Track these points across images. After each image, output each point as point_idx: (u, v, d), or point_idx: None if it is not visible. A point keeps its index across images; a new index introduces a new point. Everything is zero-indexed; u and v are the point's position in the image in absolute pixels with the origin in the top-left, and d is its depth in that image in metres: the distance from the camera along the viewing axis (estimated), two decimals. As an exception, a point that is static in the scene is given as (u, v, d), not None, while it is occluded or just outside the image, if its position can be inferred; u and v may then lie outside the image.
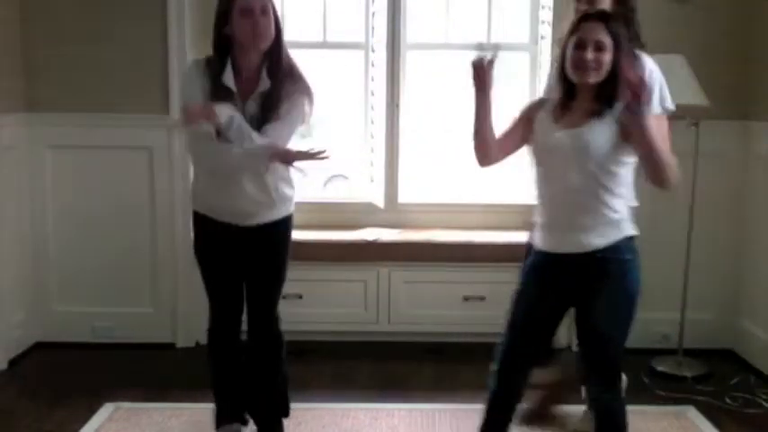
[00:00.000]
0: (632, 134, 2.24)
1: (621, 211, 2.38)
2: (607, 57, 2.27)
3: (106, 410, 3.21)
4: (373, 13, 4.06)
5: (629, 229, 2.40)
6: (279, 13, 2.62)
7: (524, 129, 2.46)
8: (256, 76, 2.58)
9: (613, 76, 2.27)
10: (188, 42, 3.80)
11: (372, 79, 4.12)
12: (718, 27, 3.79)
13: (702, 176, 3.70)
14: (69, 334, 3.94)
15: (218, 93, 2.54)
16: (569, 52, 2.30)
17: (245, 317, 2.84)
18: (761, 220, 3.77)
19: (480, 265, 3.80)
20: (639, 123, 2.19)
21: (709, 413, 3.26)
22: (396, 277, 3.93)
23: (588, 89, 2.32)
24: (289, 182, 2.74)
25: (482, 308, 3.75)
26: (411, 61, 4.12)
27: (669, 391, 3.49)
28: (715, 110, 3.64)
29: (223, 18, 2.56)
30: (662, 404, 3.37)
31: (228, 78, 2.55)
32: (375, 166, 4.20)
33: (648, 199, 3.91)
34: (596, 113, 2.30)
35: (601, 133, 2.28)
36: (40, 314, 3.96)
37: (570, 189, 2.32)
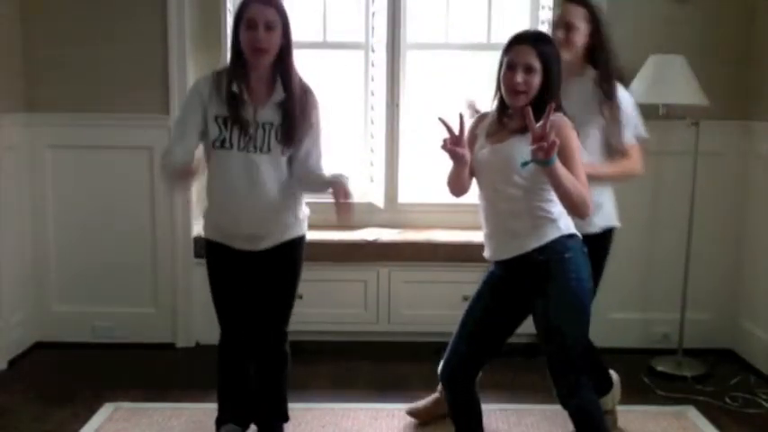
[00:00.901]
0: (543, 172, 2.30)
1: (554, 212, 2.41)
2: (536, 79, 2.35)
3: (106, 410, 3.21)
4: (373, 13, 4.06)
5: (567, 229, 2.42)
6: (290, 28, 2.61)
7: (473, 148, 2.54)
8: (269, 85, 2.61)
9: (542, 98, 2.34)
10: (188, 42, 3.81)
11: (372, 79, 4.12)
12: (718, 27, 3.80)
13: (702, 176, 3.70)
14: (69, 334, 3.94)
15: (230, 100, 2.58)
16: (502, 72, 2.40)
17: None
18: (761, 220, 3.77)
19: (480, 265, 3.77)
20: (547, 172, 2.25)
21: (709, 413, 3.26)
22: (396, 277, 3.93)
23: (520, 108, 2.37)
24: (302, 204, 2.81)
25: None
26: (411, 61, 4.12)
27: (669, 391, 3.49)
28: (715, 110, 3.65)
29: (236, 28, 2.59)
30: (662, 404, 3.37)
31: (242, 85, 2.58)
32: (375, 166, 4.20)
33: (648, 199, 3.94)
34: (521, 131, 2.37)
35: (522, 149, 2.32)
36: (40, 314, 3.96)
37: (500, 199, 2.41)
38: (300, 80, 2.67)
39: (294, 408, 3.22)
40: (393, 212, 4.18)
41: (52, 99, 3.83)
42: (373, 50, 4.10)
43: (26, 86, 3.82)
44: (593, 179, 2.52)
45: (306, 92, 2.68)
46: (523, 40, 2.39)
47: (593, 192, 2.42)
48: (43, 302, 3.97)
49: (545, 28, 4.00)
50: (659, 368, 3.70)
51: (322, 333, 3.95)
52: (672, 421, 3.19)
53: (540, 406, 3.25)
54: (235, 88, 2.57)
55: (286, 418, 2.96)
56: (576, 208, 2.32)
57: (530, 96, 2.36)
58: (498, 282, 2.53)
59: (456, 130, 2.39)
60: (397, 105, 4.09)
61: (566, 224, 2.42)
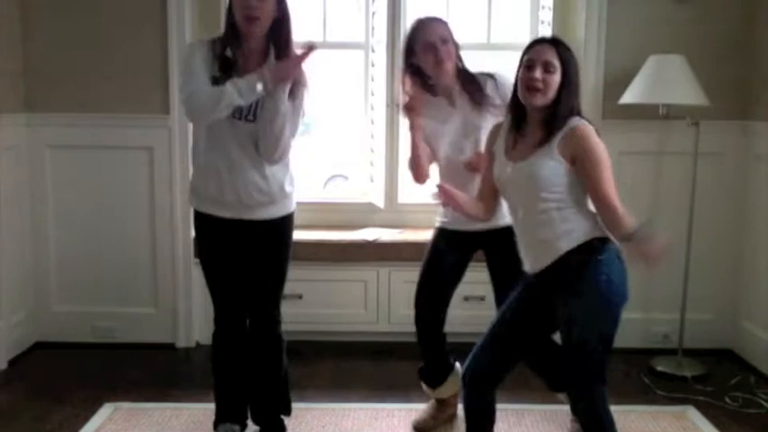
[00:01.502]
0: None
1: (586, 215, 2.38)
2: (555, 78, 2.31)
3: (106, 410, 3.21)
4: (373, 13, 4.06)
5: (600, 232, 2.37)
6: (286, 2, 2.60)
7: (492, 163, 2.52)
8: (261, 57, 2.60)
9: (559, 102, 2.32)
10: (188, 43, 3.80)
11: (372, 79, 4.12)
12: (718, 27, 3.79)
13: (702, 176, 3.70)
14: (69, 334, 3.94)
15: (222, 67, 2.56)
16: (519, 74, 2.37)
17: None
18: (761, 220, 3.77)
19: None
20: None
21: (709, 413, 3.25)
22: (396, 277, 3.93)
23: (537, 114, 2.36)
24: (290, 178, 2.75)
25: (482, 308, 3.74)
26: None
27: (669, 391, 3.49)
28: (715, 110, 3.65)
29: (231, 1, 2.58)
30: (662, 404, 3.36)
31: (229, 52, 2.58)
32: (375, 166, 4.20)
33: (648, 199, 3.94)
34: (542, 142, 2.33)
35: (544, 164, 2.31)
36: (40, 314, 3.96)
37: (531, 215, 2.37)
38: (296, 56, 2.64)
39: (294, 408, 3.21)
40: (393, 212, 4.18)
41: (52, 99, 3.83)
42: (373, 50, 4.10)
43: (26, 86, 3.82)
44: None
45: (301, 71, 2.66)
46: (543, 41, 2.39)
47: None
48: (43, 302, 3.97)
49: (545, 28, 4.01)
50: (659, 368, 3.70)
51: (322, 333, 3.95)
52: (672, 421, 3.19)
53: (540, 406, 3.26)
54: (228, 53, 2.57)
55: (288, 411, 2.95)
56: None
57: (547, 96, 2.31)
58: (534, 293, 2.45)
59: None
60: (398, 105, 4.08)
61: (598, 227, 2.36)
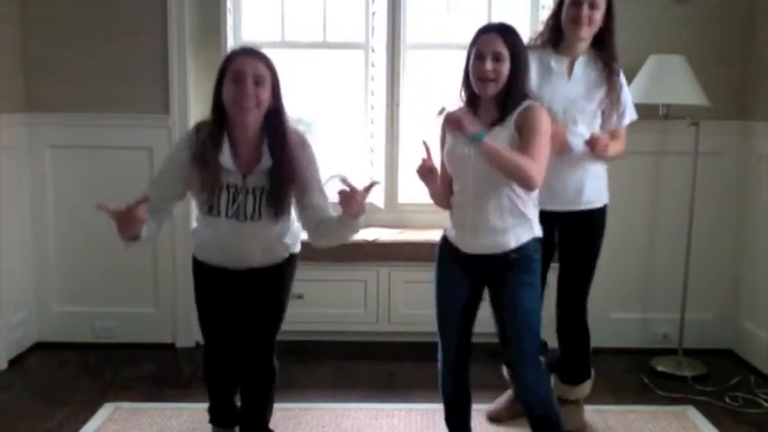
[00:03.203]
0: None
1: (532, 213, 2.47)
2: (505, 67, 2.37)
3: (106, 410, 3.21)
4: (373, 13, 4.06)
5: (538, 231, 2.49)
6: (281, 89, 2.46)
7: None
8: (257, 149, 2.44)
9: (511, 87, 2.38)
10: (188, 43, 3.80)
11: (372, 79, 4.12)
12: (718, 27, 3.80)
13: (702, 176, 3.70)
14: (69, 334, 3.95)
15: (215, 169, 2.41)
16: (471, 64, 2.42)
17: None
18: (761, 220, 3.77)
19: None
20: (478, 149, 2.30)
21: (709, 413, 3.26)
22: (396, 277, 3.93)
23: (489, 99, 2.42)
24: (291, 235, 2.67)
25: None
26: (411, 61, 4.12)
27: (669, 391, 3.49)
28: (715, 110, 3.65)
29: (220, 82, 2.40)
30: (662, 404, 3.37)
31: (225, 154, 2.41)
32: (375, 166, 4.20)
33: (648, 199, 3.94)
34: (497, 122, 2.41)
35: (502, 139, 2.36)
36: (40, 314, 3.96)
37: (484, 195, 2.42)
38: (295, 137, 2.49)
39: (294, 408, 3.23)
40: (393, 212, 4.18)
41: (52, 99, 3.83)
42: (373, 50, 4.10)
43: (26, 86, 3.82)
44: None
45: (303, 146, 2.51)
46: (490, 30, 2.41)
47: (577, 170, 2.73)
48: (43, 302, 3.97)
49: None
50: (659, 368, 3.70)
51: (322, 333, 3.95)
52: (672, 421, 3.19)
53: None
54: (222, 158, 2.40)
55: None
56: (515, 178, 2.33)
57: (499, 84, 2.38)
58: (465, 272, 2.53)
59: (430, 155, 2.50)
60: (398, 105, 4.09)
61: (538, 227, 2.49)
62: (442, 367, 2.65)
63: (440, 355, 2.65)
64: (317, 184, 2.54)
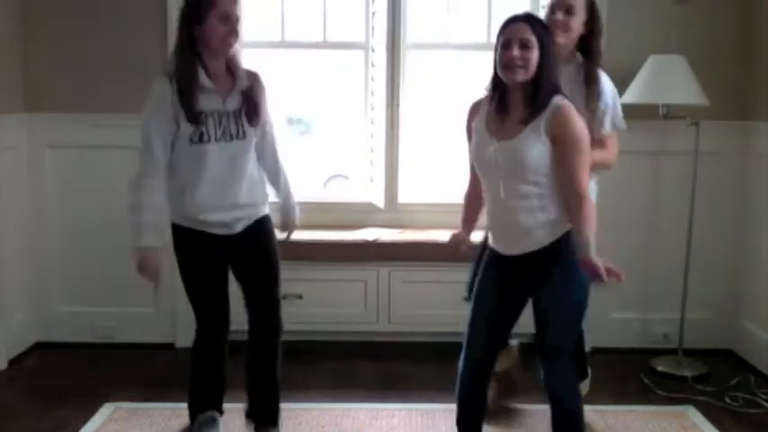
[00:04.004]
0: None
1: (561, 208, 2.41)
2: (534, 54, 2.31)
3: (106, 410, 3.21)
4: (373, 13, 4.06)
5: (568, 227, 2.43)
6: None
7: None
8: (226, 76, 2.70)
9: (540, 77, 2.33)
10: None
11: (372, 79, 4.12)
12: (718, 27, 3.80)
13: (702, 176, 3.70)
14: (69, 334, 3.95)
15: (195, 95, 2.61)
16: (497, 54, 2.37)
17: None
18: (761, 220, 3.77)
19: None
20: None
21: (709, 413, 3.26)
22: (396, 277, 3.93)
23: (518, 92, 2.37)
24: (264, 182, 2.88)
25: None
26: (411, 61, 4.12)
27: (669, 391, 3.49)
28: (715, 110, 3.65)
29: (195, 19, 2.60)
30: (662, 404, 3.37)
31: (204, 78, 2.63)
32: (375, 166, 4.20)
33: (648, 199, 3.94)
34: (527, 120, 2.34)
35: (533, 145, 2.33)
36: (40, 314, 3.96)
37: (513, 196, 2.39)
38: (245, 67, 2.79)
39: (294, 408, 3.23)
40: (393, 212, 4.18)
41: (52, 99, 3.83)
42: (373, 50, 4.10)
43: (26, 86, 3.82)
44: None
45: (256, 76, 2.78)
46: (518, 19, 2.36)
47: None
48: (43, 302, 3.97)
49: (545, 28, 4.00)
50: (659, 368, 3.70)
51: (322, 333, 3.95)
52: (672, 421, 3.19)
53: (540, 406, 3.25)
54: (203, 81, 2.62)
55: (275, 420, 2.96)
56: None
57: (528, 72, 2.32)
58: (503, 274, 2.52)
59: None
60: (398, 105, 4.09)
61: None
62: (464, 364, 2.59)
63: (463, 354, 2.60)
64: (268, 117, 2.85)
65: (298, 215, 3.00)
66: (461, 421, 2.65)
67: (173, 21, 3.75)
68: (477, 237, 2.76)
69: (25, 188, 3.86)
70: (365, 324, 3.98)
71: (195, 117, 2.61)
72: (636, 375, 3.65)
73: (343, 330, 3.98)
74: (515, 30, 2.33)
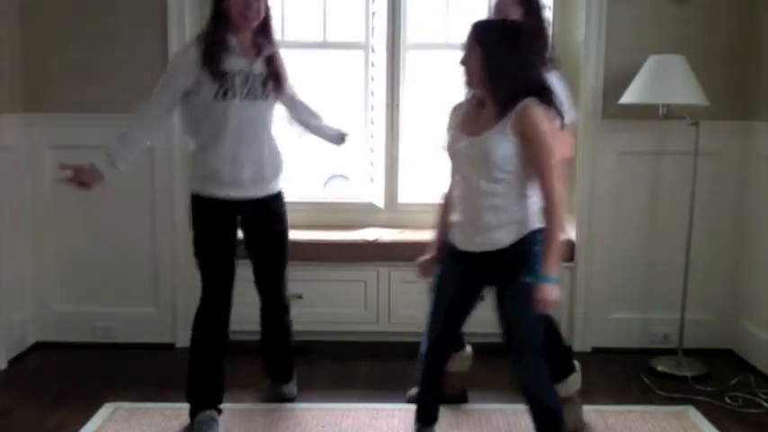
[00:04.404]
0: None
1: (531, 206, 2.48)
2: (472, 63, 2.42)
3: (106, 410, 3.21)
4: (373, 13, 4.06)
5: (539, 222, 2.47)
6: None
7: None
8: (252, 45, 2.93)
9: (491, 79, 2.39)
10: (188, 42, 3.80)
11: (372, 79, 4.12)
12: (718, 27, 3.80)
13: (702, 176, 3.70)
14: (69, 334, 3.95)
15: (226, 54, 2.86)
16: None
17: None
18: (761, 220, 3.77)
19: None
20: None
21: (709, 413, 3.25)
22: (396, 277, 3.92)
23: (483, 93, 2.46)
24: (281, 155, 3.09)
25: (481, 308, 3.74)
26: (411, 61, 4.12)
27: (669, 391, 3.49)
28: (715, 110, 3.65)
29: None
30: (662, 404, 3.36)
31: (233, 42, 2.89)
32: (375, 166, 4.20)
33: (648, 199, 3.94)
34: (496, 119, 2.40)
35: (498, 143, 2.39)
36: (40, 314, 3.96)
37: (479, 193, 2.45)
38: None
39: (294, 408, 3.23)
40: (393, 212, 4.18)
41: (52, 99, 3.83)
42: (373, 50, 4.10)
43: (26, 86, 3.82)
44: None
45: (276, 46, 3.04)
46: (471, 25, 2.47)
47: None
48: (43, 302, 3.97)
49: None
50: (659, 368, 3.70)
51: (322, 333, 3.95)
52: (672, 421, 3.19)
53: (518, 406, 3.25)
54: (232, 43, 2.87)
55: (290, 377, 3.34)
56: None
57: (475, 80, 2.43)
58: (463, 271, 2.59)
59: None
60: (397, 105, 4.09)
61: (538, 218, 2.47)
62: (426, 345, 2.75)
63: (424, 338, 2.76)
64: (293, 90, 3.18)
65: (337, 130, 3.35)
66: (421, 397, 2.84)
67: (173, 21, 3.77)
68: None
69: (25, 188, 3.85)
70: (365, 324, 3.98)
71: (220, 76, 2.83)
72: (636, 375, 3.65)
73: (343, 330, 3.98)
74: (465, 39, 2.45)
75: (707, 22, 3.79)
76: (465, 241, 2.54)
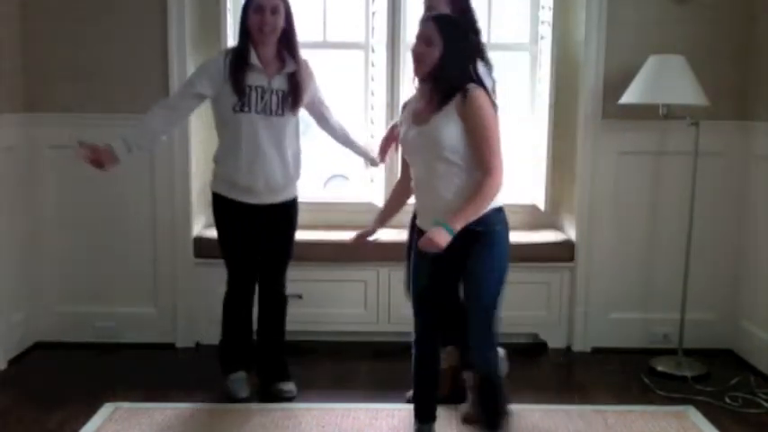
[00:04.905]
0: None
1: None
2: (433, 52, 2.53)
3: (106, 410, 3.21)
4: (373, 13, 4.06)
5: (497, 202, 2.60)
6: (292, 14, 3.14)
7: None
8: (276, 59, 3.11)
9: (442, 70, 2.53)
10: (188, 42, 3.81)
11: (372, 79, 4.12)
12: (718, 27, 3.80)
13: (702, 176, 3.70)
14: (69, 334, 3.95)
15: (248, 69, 3.05)
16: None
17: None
18: (761, 220, 3.77)
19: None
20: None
21: (710, 413, 3.25)
22: (396, 277, 3.92)
23: (429, 83, 2.59)
24: (300, 165, 3.27)
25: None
26: (411, 61, 4.11)
27: (669, 391, 3.49)
28: (715, 110, 3.65)
29: (245, 10, 3.08)
30: (662, 404, 3.36)
31: (254, 58, 3.06)
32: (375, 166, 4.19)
33: (648, 199, 3.94)
34: (440, 105, 2.55)
35: (446, 126, 2.53)
36: (40, 314, 3.96)
37: (434, 176, 2.59)
38: (304, 59, 3.21)
39: (294, 408, 3.23)
40: (393, 212, 4.17)
41: (52, 99, 3.83)
42: (373, 50, 4.10)
43: (26, 86, 3.82)
44: None
45: (306, 64, 3.21)
46: (429, 19, 2.59)
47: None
48: (43, 302, 3.96)
49: (545, 28, 4.01)
50: (659, 368, 3.70)
51: (322, 333, 3.95)
52: (672, 421, 3.19)
53: (540, 406, 3.26)
54: (253, 60, 3.05)
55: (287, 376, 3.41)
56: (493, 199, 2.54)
57: (425, 67, 2.54)
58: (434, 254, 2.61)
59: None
60: (398, 105, 4.09)
61: (497, 198, 2.58)
62: (419, 333, 2.82)
63: (414, 329, 2.84)
64: (321, 94, 3.36)
65: (369, 149, 3.48)
66: (417, 394, 2.90)
67: (173, 21, 3.77)
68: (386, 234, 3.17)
69: (25, 188, 3.85)
70: (365, 324, 3.98)
71: (240, 89, 3.03)
72: (636, 375, 3.65)
73: (343, 330, 3.98)
74: (423, 28, 2.57)
75: (707, 22, 3.79)
76: (432, 222, 2.56)
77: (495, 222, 2.59)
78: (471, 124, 2.50)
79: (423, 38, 2.54)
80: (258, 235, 3.20)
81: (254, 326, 3.39)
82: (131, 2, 3.78)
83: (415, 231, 2.77)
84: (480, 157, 2.51)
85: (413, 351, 2.84)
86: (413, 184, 2.74)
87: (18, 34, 3.77)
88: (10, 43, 3.72)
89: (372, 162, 3.52)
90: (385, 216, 2.99)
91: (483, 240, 2.57)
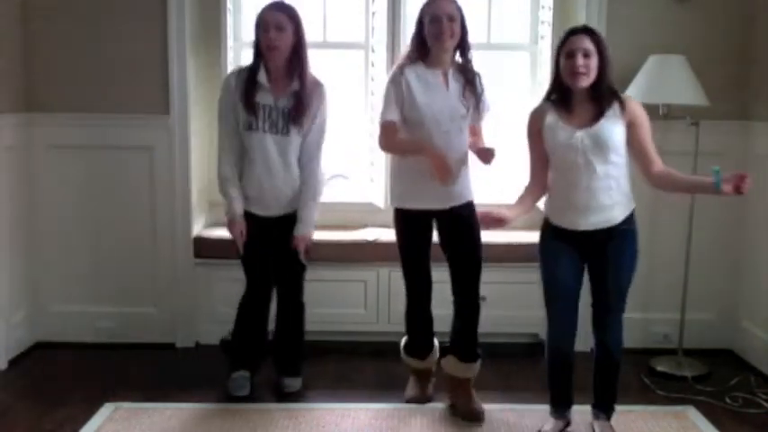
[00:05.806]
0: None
1: (628, 191, 2.88)
2: (594, 62, 2.72)
3: (106, 410, 3.21)
4: (373, 13, 4.06)
5: (632, 204, 2.90)
6: (302, 30, 3.16)
7: (540, 143, 2.86)
8: (286, 78, 3.14)
9: (602, 79, 2.74)
10: (188, 43, 3.80)
11: (372, 79, 4.12)
12: (718, 27, 3.80)
13: (702, 176, 3.69)
14: (69, 334, 3.95)
15: (255, 89, 3.11)
16: (562, 62, 2.75)
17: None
18: (761, 220, 3.77)
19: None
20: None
21: (710, 413, 3.25)
22: (396, 277, 3.90)
23: (583, 92, 2.76)
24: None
25: (482, 308, 3.75)
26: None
27: (669, 391, 3.49)
28: (715, 110, 3.65)
29: (256, 30, 3.11)
30: (662, 404, 3.36)
31: (262, 77, 3.12)
32: (375, 166, 4.20)
33: (649, 199, 3.93)
34: (603, 111, 2.75)
35: (613, 129, 2.74)
36: (40, 314, 3.96)
37: (594, 177, 2.76)
38: (313, 75, 3.20)
39: (294, 408, 3.23)
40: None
41: (52, 99, 3.83)
42: (373, 50, 4.10)
43: (26, 86, 3.82)
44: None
45: (317, 85, 3.20)
46: (578, 31, 2.75)
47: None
48: (43, 302, 3.96)
49: (545, 28, 4.01)
50: (659, 368, 3.70)
51: (322, 333, 3.95)
52: (672, 421, 3.19)
53: (541, 406, 3.25)
54: (260, 78, 3.10)
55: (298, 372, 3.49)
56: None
57: (590, 78, 2.71)
58: (573, 249, 2.86)
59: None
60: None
61: (633, 198, 2.89)
62: (560, 332, 2.95)
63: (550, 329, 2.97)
64: (319, 123, 3.22)
65: (306, 230, 3.27)
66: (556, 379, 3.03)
67: (173, 21, 3.77)
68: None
69: (25, 188, 3.85)
70: (365, 324, 3.98)
71: (249, 108, 3.10)
72: (636, 375, 3.65)
73: (343, 330, 3.98)
74: (577, 41, 2.71)
75: (707, 22, 3.79)
76: (581, 222, 2.79)
77: (635, 221, 2.89)
78: (637, 125, 2.77)
79: (582, 51, 2.69)
80: (270, 245, 3.27)
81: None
82: (131, 2, 3.78)
83: (550, 230, 2.89)
84: (650, 151, 2.82)
85: (547, 354, 2.99)
86: (553, 183, 2.88)
87: (18, 34, 3.77)
88: (10, 43, 3.72)
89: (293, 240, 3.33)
90: (522, 205, 2.96)
91: (629, 237, 2.86)
